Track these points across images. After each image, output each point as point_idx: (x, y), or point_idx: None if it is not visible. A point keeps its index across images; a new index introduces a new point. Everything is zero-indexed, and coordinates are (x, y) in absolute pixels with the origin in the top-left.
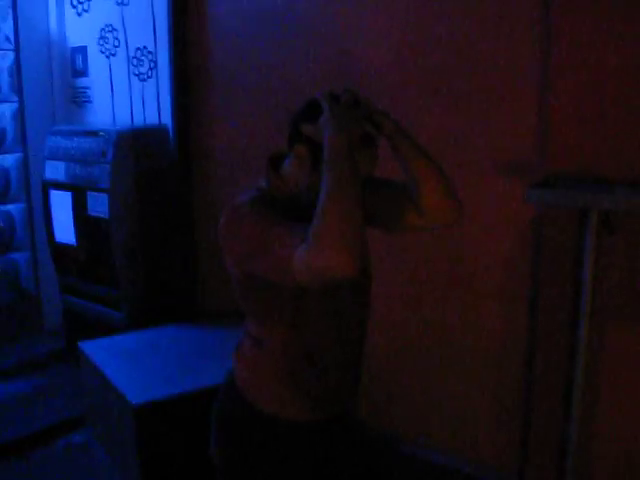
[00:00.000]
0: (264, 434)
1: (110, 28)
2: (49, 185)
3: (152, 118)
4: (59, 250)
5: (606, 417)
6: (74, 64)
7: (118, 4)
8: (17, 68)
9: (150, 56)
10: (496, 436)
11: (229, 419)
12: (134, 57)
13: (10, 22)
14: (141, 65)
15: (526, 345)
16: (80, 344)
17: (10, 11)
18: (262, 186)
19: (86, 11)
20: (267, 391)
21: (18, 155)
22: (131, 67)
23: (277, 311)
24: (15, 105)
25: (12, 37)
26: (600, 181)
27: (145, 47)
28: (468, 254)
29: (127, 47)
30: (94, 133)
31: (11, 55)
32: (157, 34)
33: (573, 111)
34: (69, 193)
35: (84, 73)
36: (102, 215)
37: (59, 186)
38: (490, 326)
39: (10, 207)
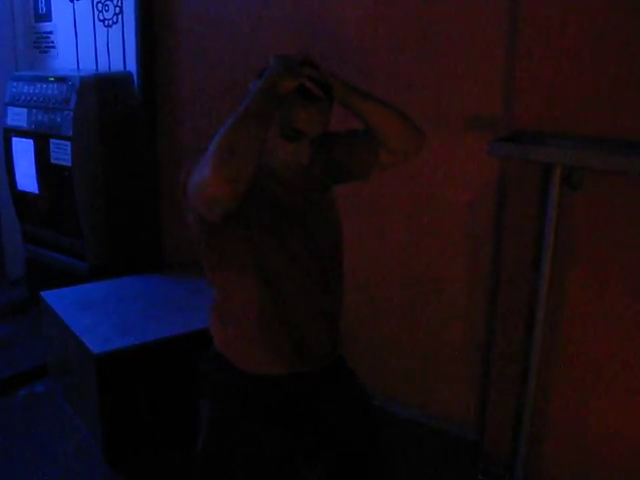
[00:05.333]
0: (238, 390)
1: None
2: (11, 132)
3: (117, 65)
4: (21, 198)
5: (563, 378)
6: (37, 8)
7: None
8: None
9: (116, 1)
10: (458, 393)
11: (206, 376)
12: (99, 2)
13: None
14: (106, 10)
15: (488, 301)
16: (42, 294)
17: None
18: None
19: None
20: (238, 346)
21: None
22: (96, 12)
23: (235, 260)
24: None
25: None
26: (566, 138)
27: None
28: (433, 206)
29: None
30: (57, 79)
31: None
32: None
33: (541, 68)
34: (31, 140)
35: (47, 17)
36: (65, 163)
37: (21, 133)
38: (452, 279)
39: None
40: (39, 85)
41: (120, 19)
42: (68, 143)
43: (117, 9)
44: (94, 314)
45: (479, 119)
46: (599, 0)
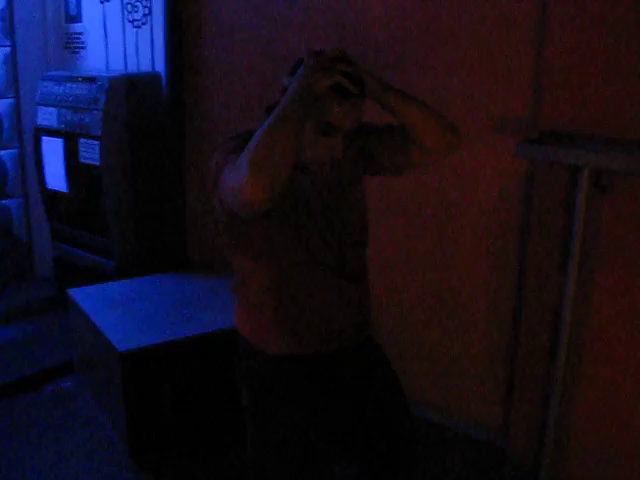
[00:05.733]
0: (261, 370)
1: None
2: (41, 131)
3: (146, 65)
4: (50, 197)
5: (590, 383)
6: (68, 9)
7: None
8: (10, 12)
9: (145, 2)
10: (483, 397)
11: (237, 359)
12: (128, 3)
13: None
14: (135, 11)
15: (513, 303)
16: (69, 291)
17: None
18: None
19: None
20: (255, 327)
21: (10, 101)
22: (125, 13)
23: (251, 247)
24: (7, 49)
25: None
26: (594, 140)
27: None
28: (459, 208)
29: None
30: (87, 79)
31: None
32: None
33: (571, 68)
34: (61, 139)
35: (78, 18)
36: (93, 162)
37: (51, 132)
38: (479, 282)
39: (2, 153)
40: (69, 85)
41: (149, 20)
42: (97, 142)
43: (146, 10)
44: (120, 312)
45: (507, 121)
46: (628, 5)
